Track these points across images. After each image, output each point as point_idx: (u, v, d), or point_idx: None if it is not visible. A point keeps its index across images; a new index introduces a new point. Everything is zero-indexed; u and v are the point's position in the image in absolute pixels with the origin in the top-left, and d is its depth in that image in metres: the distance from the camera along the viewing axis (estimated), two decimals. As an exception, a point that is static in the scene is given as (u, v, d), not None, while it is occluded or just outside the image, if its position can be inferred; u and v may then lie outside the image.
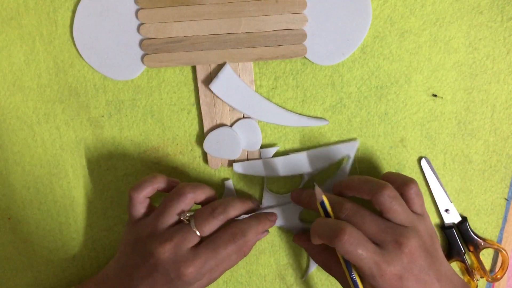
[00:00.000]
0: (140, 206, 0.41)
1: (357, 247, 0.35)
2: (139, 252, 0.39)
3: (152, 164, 0.46)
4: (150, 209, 0.42)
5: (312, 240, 0.39)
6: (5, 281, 0.48)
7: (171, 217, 0.39)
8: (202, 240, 0.39)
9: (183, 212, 0.40)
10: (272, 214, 0.44)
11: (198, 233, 0.39)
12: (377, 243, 0.36)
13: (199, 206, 0.42)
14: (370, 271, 0.35)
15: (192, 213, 0.40)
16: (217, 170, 0.46)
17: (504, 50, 0.42)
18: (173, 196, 0.40)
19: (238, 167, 0.44)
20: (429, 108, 0.44)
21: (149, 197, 0.42)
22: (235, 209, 0.41)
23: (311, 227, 0.39)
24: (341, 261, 0.38)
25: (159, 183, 0.41)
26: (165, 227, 0.39)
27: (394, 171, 0.45)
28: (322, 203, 0.39)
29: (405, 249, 0.36)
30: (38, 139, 0.45)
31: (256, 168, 0.45)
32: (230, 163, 0.45)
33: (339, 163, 0.45)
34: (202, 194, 0.41)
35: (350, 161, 0.45)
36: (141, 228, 0.40)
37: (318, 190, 0.39)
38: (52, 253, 0.48)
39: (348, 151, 0.44)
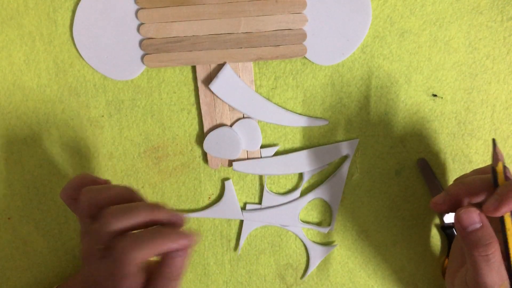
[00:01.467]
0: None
1: None
2: None
3: (152, 164, 0.46)
4: None
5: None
6: (5, 281, 0.48)
7: None
8: None
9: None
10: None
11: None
12: None
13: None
14: None
15: None
16: (217, 170, 0.46)
17: (504, 50, 0.43)
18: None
19: (238, 166, 0.44)
20: (429, 108, 0.44)
21: None
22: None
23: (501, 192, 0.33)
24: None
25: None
26: None
27: (394, 171, 0.45)
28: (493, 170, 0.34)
29: None
30: (38, 139, 0.45)
31: (256, 167, 0.45)
32: (230, 163, 0.45)
33: (339, 162, 0.45)
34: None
35: (349, 160, 0.45)
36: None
37: (499, 150, 0.33)
38: (52, 253, 0.48)
39: (348, 150, 0.45)
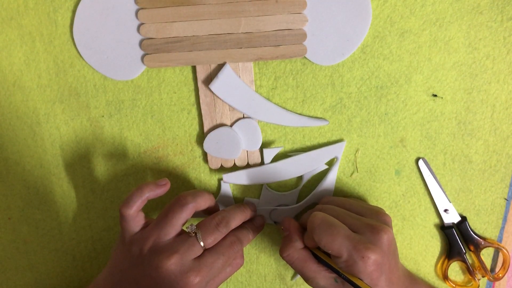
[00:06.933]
0: (134, 222, 0.40)
1: (331, 228, 0.37)
2: (140, 267, 0.38)
3: (152, 164, 0.46)
4: (145, 221, 0.41)
5: (305, 241, 0.40)
6: (5, 281, 0.48)
7: (174, 229, 0.39)
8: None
9: (191, 224, 0.39)
10: (260, 218, 0.45)
11: (202, 244, 0.39)
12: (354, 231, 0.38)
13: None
14: (349, 254, 0.36)
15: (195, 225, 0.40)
16: (217, 170, 0.46)
17: (504, 50, 0.43)
18: (174, 207, 0.39)
19: (228, 178, 0.45)
20: (429, 108, 0.44)
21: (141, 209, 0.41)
22: (236, 221, 0.41)
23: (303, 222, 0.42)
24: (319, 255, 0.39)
25: (147, 192, 0.40)
26: (168, 239, 0.39)
27: (393, 171, 0.45)
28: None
29: (383, 237, 0.37)
30: (38, 139, 0.45)
31: (245, 177, 0.45)
32: (229, 163, 0.45)
33: (328, 165, 0.45)
34: (203, 202, 0.41)
35: (338, 162, 0.45)
36: (140, 242, 0.39)
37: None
38: (52, 253, 0.48)
39: (336, 153, 0.44)
